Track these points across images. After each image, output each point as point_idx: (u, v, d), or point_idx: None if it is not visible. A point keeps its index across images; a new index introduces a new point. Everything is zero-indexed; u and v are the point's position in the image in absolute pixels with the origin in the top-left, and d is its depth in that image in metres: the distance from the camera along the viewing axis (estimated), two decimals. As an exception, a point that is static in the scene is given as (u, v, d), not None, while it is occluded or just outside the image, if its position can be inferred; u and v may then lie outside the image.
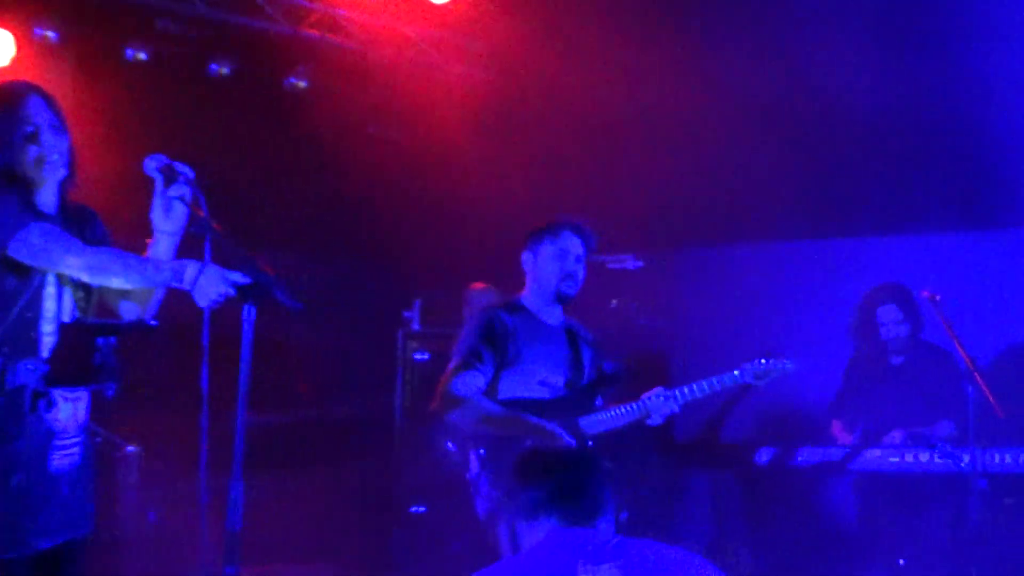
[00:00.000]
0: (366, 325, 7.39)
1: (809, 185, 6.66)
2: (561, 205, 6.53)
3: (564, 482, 2.66)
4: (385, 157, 6.87)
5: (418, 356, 7.08)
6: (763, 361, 4.89)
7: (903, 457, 5.74)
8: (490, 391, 4.66)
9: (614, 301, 6.12)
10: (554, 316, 4.89)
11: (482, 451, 4.57)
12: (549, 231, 4.85)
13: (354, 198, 6.97)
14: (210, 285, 3.21)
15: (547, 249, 4.83)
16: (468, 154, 6.67)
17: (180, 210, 3.40)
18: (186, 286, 3.27)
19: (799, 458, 5.96)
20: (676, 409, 4.74)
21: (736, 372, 4.86)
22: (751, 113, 6.46)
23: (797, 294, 7.03)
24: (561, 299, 4.82)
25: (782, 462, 6.01)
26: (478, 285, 6.66)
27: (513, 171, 6.76)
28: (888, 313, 6.15)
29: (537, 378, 4.71)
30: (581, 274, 4.84)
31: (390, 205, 7.00)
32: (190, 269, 3.26)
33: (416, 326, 7.17)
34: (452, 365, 4.68)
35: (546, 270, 4.81)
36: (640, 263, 6.96)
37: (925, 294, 5.73)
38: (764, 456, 6.08)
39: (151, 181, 3.38)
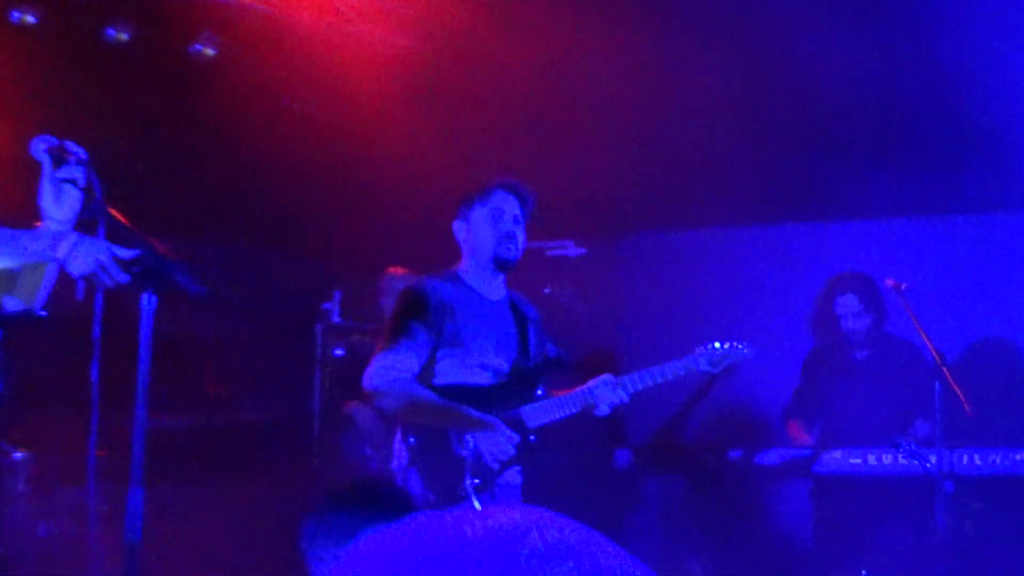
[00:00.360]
0: (281, 318, 7.32)
1: (764, 167, 6.69)
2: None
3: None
4: (302, 133, 6.80)
5: (339, 352, 7.03)
6: (718, 346, 4.92)
7: (865, 459, 5.79)
8: (424, 375, 4.59)
9: (548, 287, 6.08)
10: (496, 289, 4.82)
11: (412, 440, 4.51)
12: (479, 192, 4.80)
13: (267, 179, 6.89)
14: (88, 254, 3.15)
15: (479, 212, 4.78)
16: (394, 131, 6.62)
17: (72, 194, 3.31)
18: (59, 255, 3.20)
19: (754, 460, 6.00)
20: (625, 398, 4.73)
21: (690, 358, 4.87)
22: (701, 92, 6.49)
23: (752, 284, 7.09)
24: (501, 265, 4.76)
25: (735, 465, 6.04)
26: (396, 270, 6.58)
27: (444, 150, 6.71)
28: (847, 304, 6.18)
29: (478, 360, 4.66)
30: (521, 237, 4.80)
31: (308, 186, 6.93)
32: (69, 238, 3.19)
33: (336, 319, 7.12)
34: (381, 345, 4.60)
35: (480, 235, 4.76)
36: (582, 250, 6.98)
37: (890, 283, 5.80)
38: (716, 458, 6.11)
39: (39, 164, 3.30)
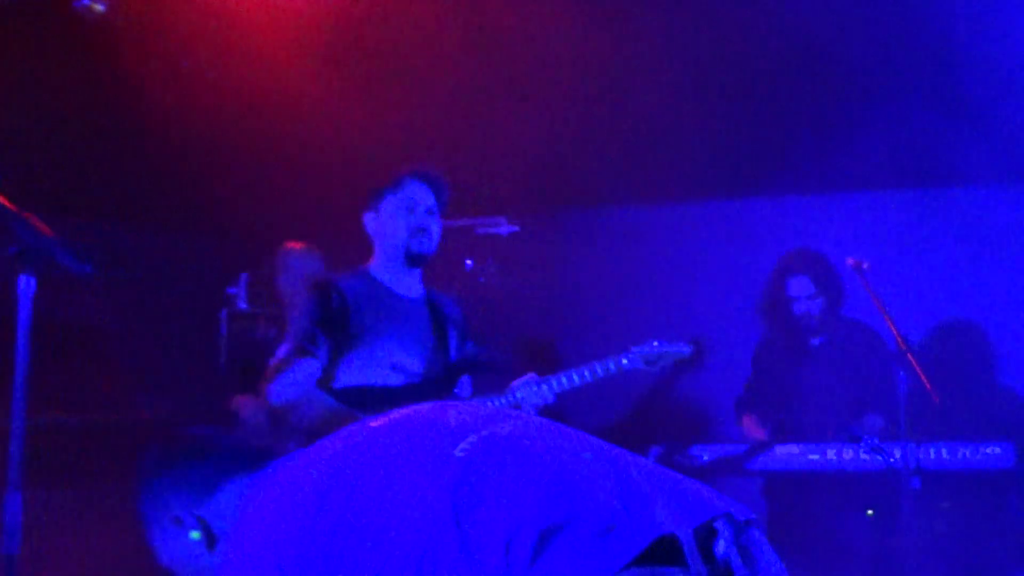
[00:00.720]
0: (181, 304, 7.22)
1: (716, 137, 6.68)
2: (422, 160, 6.46)
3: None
4: (204, 99, 6.67)
5: (258, 338, 6.94)
6: (655, 344, 4.99)
7: (824, 454, 5.80)
8: (325, 379, 4.61)
9: (469, 261, 6.06)
10: (411, 287, 4.86)
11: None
12: (390, 183, 4.82)
13: (165, 149, 6.77)
14: None
15: (390, 203, 4.81)
16: (308, 97, 6.52)
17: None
18: None
19: (700, 457, 6.00)
20: (550, 399, 4.80)
21: (623, 358, 4.94)
22: (646, 55, 6.45)
23: (704, 265, 7.11)
24: (413, 260, 4.80)
25: (679, 462, 6.02)
26: (293, 245, 6.52)
27: (364, 120, 6.63)
28: (799, 286, 6.19)
29: (389, 361, 4.68)
30: (436, 229, 4.83)
31: (210, 158, 6.82)
32: None
33: (243, 305, 7.02)
34: (281, 352, 4.63)
35: (392, 228, 4.79)
36: (514, 227, 6.96)
37: (850, 262, 5.79)
38: (658, 455, 6.07)
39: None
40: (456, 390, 4.93)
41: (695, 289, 7.00)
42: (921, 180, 6.77)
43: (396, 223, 4.79)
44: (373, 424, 2.41)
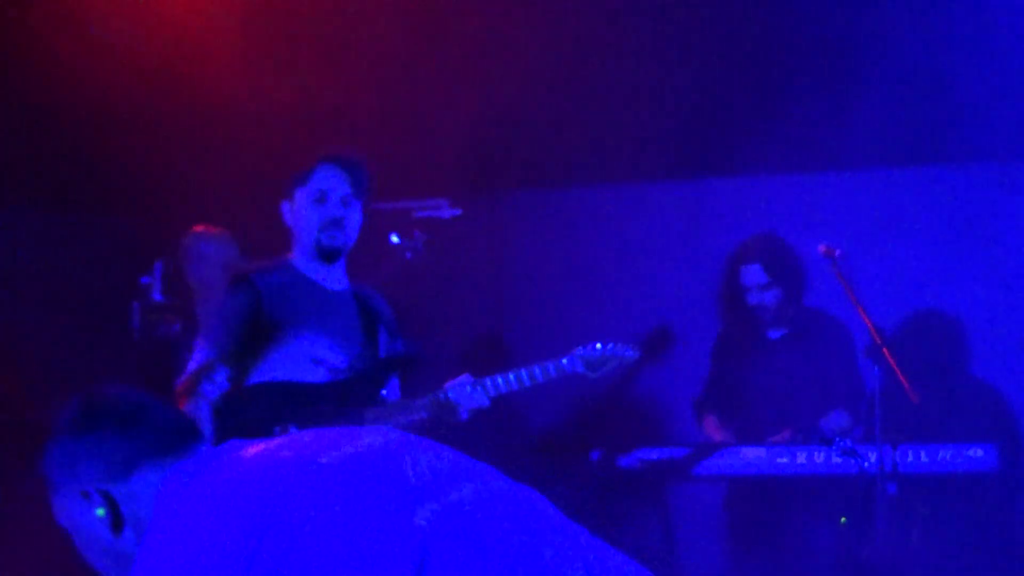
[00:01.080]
0: (90, 296, 7.12)
1: (674, 112, 6.64)
2: (355, 137, 6.39)
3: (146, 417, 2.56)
4: (113, 68, 6.58)
5: (162, 334, 6.86)
6: (599, 347, 4.98)
7: (794, 457, 5.79)
8: (239, 377, 4.64)
9: (394, 236, 6.04)
10: (335, 279, 4.86)
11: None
12: (304, 168, 4.80)
13: (70, 125, 6.67)
14: None
15: (301, 194, 4.79)
16: (228, 70, 6.43)
17: None
18: None
19: (657, 462, 5.98)
20: (485, 403, 4.80)
21: (564, 360, 4.94)
22: (596, 25, 6.43)
23: (660, 250, 7.06)
24: (326, 254, 4.78)
25: (633, 467, 6.02)
26: (204, 229, 6.43)
27: (289, 94, 6.55)
28: (750, 274, 6.15)
29: (309, 354, 4.67)
30: (353, 219, 4.81)
31: (121, 134, 6.71)
32: None
33: (157, 296, 6.93)
34: (195, 361, 4.66)
35: (303, 220, 4.78)
36: (457, 210, 6.90)
37: (822, 249, 5.78)
38: (610, 459, 6.07)
39: None
40: (384, 390, 4.91)
41: (652, 277, 6.96)
42: (896, 159, 6.75)
43: (307, 215, 4.77)
44: (323, 460, 2.33)
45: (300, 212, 4.78)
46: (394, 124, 6.45)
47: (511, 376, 4.84)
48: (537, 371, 4.88)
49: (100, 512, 2.49)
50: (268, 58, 6.50)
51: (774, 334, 6.26)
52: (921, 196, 6.75)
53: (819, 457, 5.73)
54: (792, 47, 6.37)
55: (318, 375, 4.69)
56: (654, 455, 6.00)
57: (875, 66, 6.36)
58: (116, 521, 2.48)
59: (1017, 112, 6.23)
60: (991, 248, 6.58)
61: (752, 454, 5.86)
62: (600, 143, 6.85)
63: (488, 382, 4.82)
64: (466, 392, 4.78)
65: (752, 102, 6.57)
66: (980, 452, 5.67)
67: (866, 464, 5.45)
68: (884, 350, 5.51)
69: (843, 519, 5.68)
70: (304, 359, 4.67)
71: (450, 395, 4.77)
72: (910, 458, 5.65)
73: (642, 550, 6.61)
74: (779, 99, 6.51)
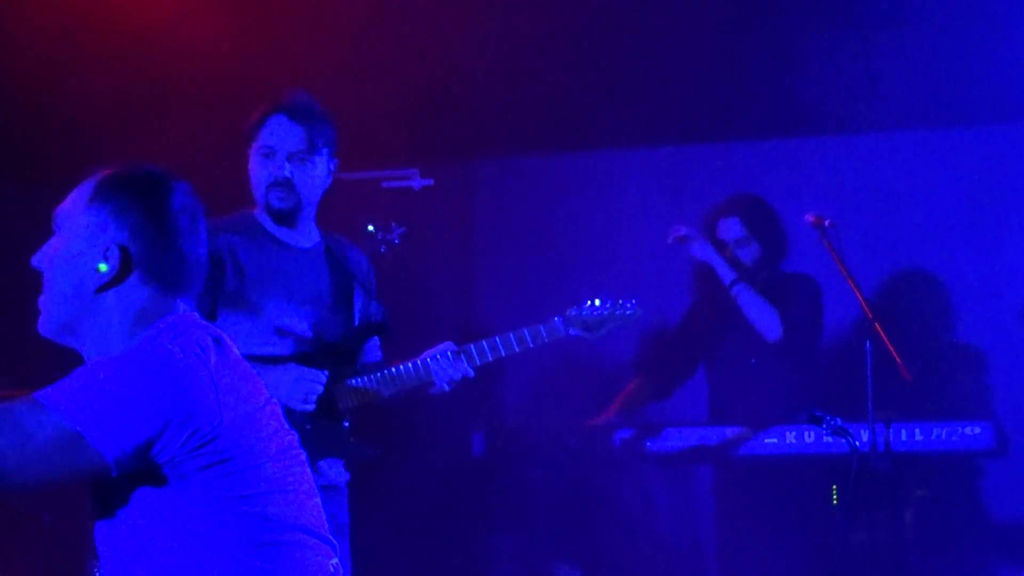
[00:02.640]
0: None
1: (654, 75, 6.50)
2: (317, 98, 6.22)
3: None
4: (55, 21, 6.36)
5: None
6: (595, 304, 4.75)
7: (783, 437, 5.73)
8: None
9: (370, 226, 5.88)
10: (303, 235, 4.63)
11: None
12: (256, 119, 4.56)
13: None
14: None
15: (253, 148, 4.56)
16: (183, 24, 6.24)
17: None
18: None
19: (641, 442, 5.89)
20: (469, 372, 4.59)
21: (558, 323, 4.70)
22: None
23: (640, 219, 6.93)
24: (276, 216, 4.56)
25: (616, 448, 5.93)
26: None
27: (245, 54, 6.36)
28: (729, 228, 6.03)
29: (273, 324, 4.46)
30: (309, 177, 4.56)
31: (64, 91, 6.49)
32: None
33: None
34: None
35: (254, 177, 4.56)
36: (428, 180, 6.80)
37: (810, 218, 5.70)
38: (591, 441, 5.98)
39: None
40: (366, 357, 4.71)
41: (632, 248, 6.89)
42: (886, 124, 6.65)
43: (256, 172, 4.56)
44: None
45: (252, 168, 4.57)
46: (361, 88, 6.27)
47: (498, 342, 4.61)
48: (527, 334, 4.64)
49: (102, 267, 2.71)
50: (226, 17, 6.29)
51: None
52: (913, 163, 6.66)
53: (809, 436, 5.68)
54: (781, 11, 6.24)
55: (282, 347, 4.48)
56: (638, 435, 5.90)
57: (865, 29, 6.26)
58: (118, 274, 2.72)
59: (1011, 75, 6.11)
60: (986, 216, 6.49)
61: (740, 433, 5.80)
62: (577, 108, 6.73)
63: (472, 348, 4.60)
64: (448, 362, 4.56)
65: (736, 64, 6.45)
66: (976, 429, 5.63)
67: (857, 443, 5.32)
68: (876, 325, 5.44)
69: (834, 493, 5.60)
70: (268, 329, 4.46)
71: (431, 364, 4.56)
72: (904, 436, 5.60)
73: (627, 532, 6.56)
74: (763, 62, 6.41)
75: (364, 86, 6.32)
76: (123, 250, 2.72)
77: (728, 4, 6.28)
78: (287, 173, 4.51)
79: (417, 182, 6.88)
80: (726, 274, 5.87)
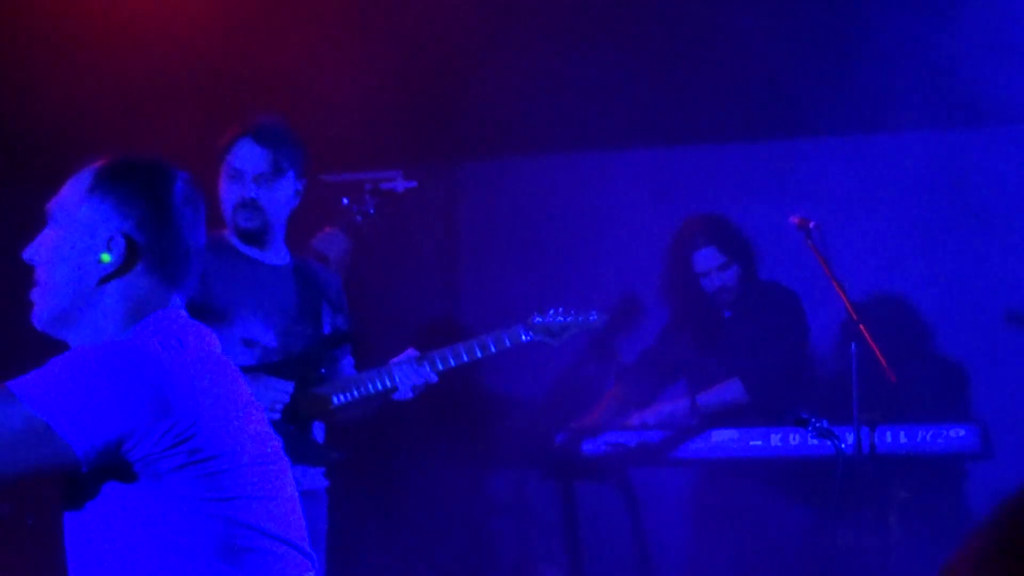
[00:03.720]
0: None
1: (640, 76, 6.50)
2: (301, 104, 6.19)
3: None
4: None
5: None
6: (559, 312, 4.88)
7: (768, 439, 5.74)
8: None
9: (344, 199, 5.92)
10: (273, 254, 4.77)
11: None
12: (226, 141, 4.70)
13: None
14: None
15: (222, 169, 4.70)
16: (162, 25, 6.21)
17: None
18: None
19: (624, 445, 5.92)
20: (433, 378, 4.71)
21: (520, 331, 4.84)
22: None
23: (624, 222, 6.93)
24: (242, 235, 4.69)
25: (600, 451, 5.95)
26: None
27: (231, 56, 6.34)
28: (706, 258, 6.01)
29: (240, 335, 4.58)
30: (276, 198, 4.70)
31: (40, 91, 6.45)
32: None
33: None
34: None
35: (223, 196, 4.69)
36: (412, 183, 6.78)
37: (795, 220, 5.70)
38: (574, 445, 6.01)
39: None
40: (337, 368, 4.82)
41: (616, 251, 6.87)
42: (871, 126, 6.65)
43: (224, 191, 4.69)
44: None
45: (221, 190, 4.70)
46: (345, 87, 6.27)
47: (460, 348, 4.74)
48: (489, 341, 4.77)
49: (105, 258, 2.68)
50: (207, 20, 6.27)
51: (726, 314, 6.13)
52: (897, 165, 6.65)
53: (794, 439, 5.68)
54: (760, 9, 6.24)
55: (250, 356, 4.58)
56: (621, 438, 5.91)
57: (851, 31, 6.25)
58: (120, 267, 2.69)
59: (997, 78, 6.13)
60: (971, 220, 6.49)
61: (724, 436, 5.80)
62: (561, 110, 6.71)
63: (436, 356, 4.71)
64: (411, 368, 4.67)
65: (720, 65, 6.44)
66: (961, 432, 5.64)
67: (843, 445, 5.34)
68: (861, 327, 5.45)
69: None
70: (235, 341, 4.56)
71: (396, 371, 4.67)
72: (889, 439, 5.61)
73: (611, 534, 6.54)
74: (747, 63, 6.40)
75: (347, 88, 6.31)
76: (128, 239, 2.69)
77: (713, 5, 6.29)
78: (252, 194, 4.64)
79: (400, 184, 6.86)
80: None
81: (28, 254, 2.74)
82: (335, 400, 4.67)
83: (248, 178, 4.66)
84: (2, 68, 6.34)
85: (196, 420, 2.55)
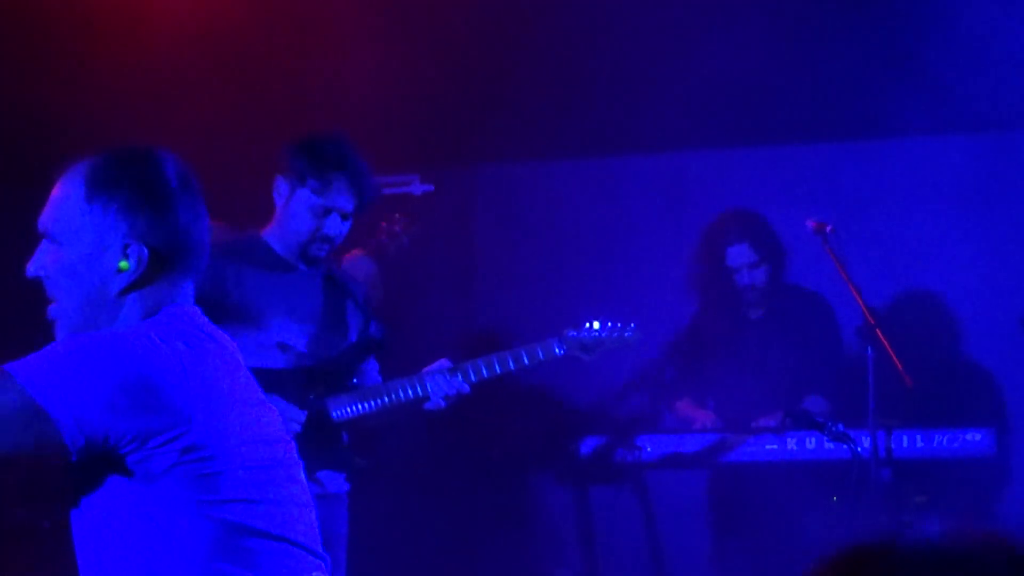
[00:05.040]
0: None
1: (650, 82, 6.47)
2: (320, 107, 6.19)
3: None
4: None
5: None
6: (593, 326, 4.83)
7: (784, 443, 5.72)
8: None
9: (383, 222, 5.91)
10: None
11: None
12: (317, 171, 4.58)
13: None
14: None
15: (306, 197, 4.61)
16: (181, 28, 6.19)
17: None
18: None
19: (641, 448, 5.89)
20: (465, 389, 4.67)
21: (555, 345, 4.79)
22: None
23: (641, 226, 6.92)
24: (307, 260, 4.68)
25: (615, 457, 5.93)
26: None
27: (248, 61, 6.34)
28: (741, 254, 6.04)
29: (276, 341, 4.57)
30: (344, 232, 4.70)
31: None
32: None
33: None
34: None
35: (297, 221, 4.63)
36: (429, 186, 6.79)
37: (811, 224, 5.68)
38: (590, 448, 5.99)
39: None
40: (365, 378, 4.81)
41: (632, 255, 6.84)
42: (885, 131, 6.63)
43: (303, 219, 4.62)
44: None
45: (296, 211, 4.63)
46: (364, 90, 6.26)
47: (494, 360, 4.70)
48: (524, 355, 4.73)
49: (124, 266, 2.63)
50: (225, 23, 6.26)
51: (754, 314, 6.15)
52: (913, 168, 6.63)
53: (810, 443, 5.66)
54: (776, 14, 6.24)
55: (283, 360, 4.58)
56: (638, 442, 5.90)
57: (863, 36, 6.25)
58: (137, 279, 2.65)
59: (1012, 81, 6.11)
60: (987, 223, 6.46)
61: (740, 440, 5.79)
62: (577, 115, 6.71)
63: (469, 367, 4.68)
64: (444, 379, 4.64)
65: (735, 71, 6.41)
66: (977, 436, 5.62)
67: (859, 449, 5.34)
68: (877, 331, 5.43)
69: (834, 498, 5.58)
70: (270, 344, 4.56)
71: (428, 381, 4.64)
72: (905, 443, 5.60)
73: (626, 538, 6.52)
74: (761, 68, 6.37)
75: (364, 90, 6.31)
76: (142, 244, 2.63)
77: (727, 10, 6.28)
78: (336, 231, 4.63)
79: (417, 188, 6.86)
80: None
81: (33, 270, 2.68)
82: (365, 407, 4.64)
83: (337, 219, 4.62)
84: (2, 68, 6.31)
85: (190, 419, 2.53)
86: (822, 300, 6.08)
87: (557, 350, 4.79)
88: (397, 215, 6.13)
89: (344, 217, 4.63)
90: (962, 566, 1.37)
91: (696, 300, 6.30)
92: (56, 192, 2.69)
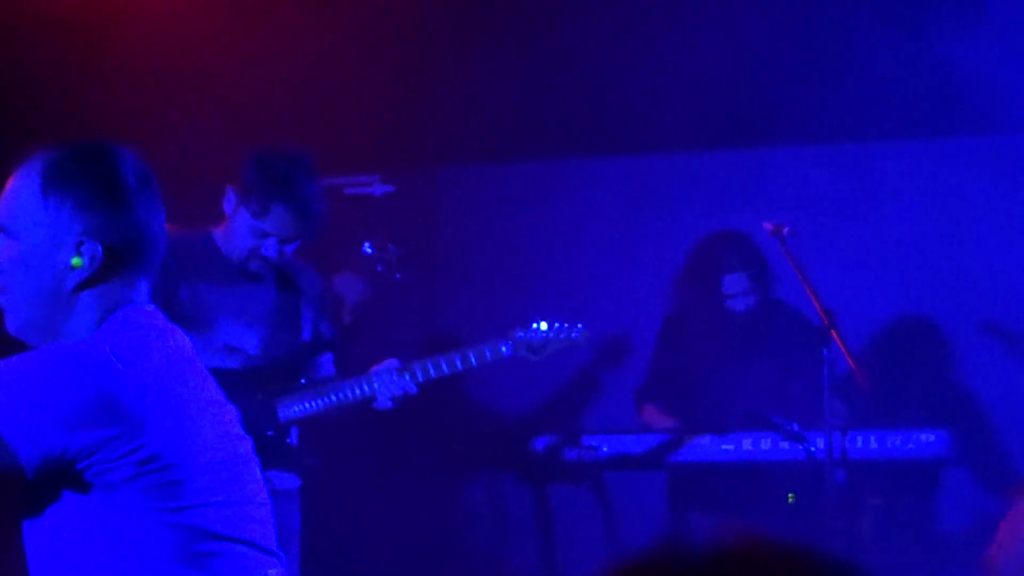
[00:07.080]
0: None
1: (615, 85, 6.50)
2: (280, 107, 6.19)
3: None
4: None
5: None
6: (541, 328, 4.87)
7: (739, 443, 5.72)
8: None
9: (368, 245, 5.90)
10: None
11: None
12: (259, 195, 4.56)
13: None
14: None
15: (246, 217, 4.61)
16: (145, 29, 6.18)
17: None
18: None
19: (600, 449, 5.89)
20: (412, 389, 4.69)
21: (502, 346, 4.83)
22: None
23: (602, 228, 6.92)
24: (247, 274, 4.69)
25: (571, 456, 5.94)
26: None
27: (210, 61, 6.33)
28: (736, 282, 6.02)
29: (222, 341, 4.59)
30: (288, 251, 4.70)
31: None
32: None
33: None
34: None
35: (238, 236, 4.64)
36: (390, 187, 6.76)
37: (768, 227, 5.68)
38: (545, 447, 6.00)
39: None
40: (319, 372, 4.82)
41: (593, 257, 6.83)
42: (843, 135, 6.65)
43: (243, 236, 4.63)
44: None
45: (238, 226, 4.63)
46: (323, 91, 6.26)
47: (441, 360, 4.73)
48: (471, 355, 4.76)
49: (76, 262, 2.60)
50: (184, 25, 6.25)
51: (742, 329, 6.12)
52: (870, 172, 6.66)
53: (766, 443, 5.67)
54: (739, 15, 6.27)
55: (232, 361, 4.59)
56: (597, 443, 5.91)
57: (831, 39, 6.30)
58: (88, 278, 2.62)
59: (978, 87, 6.14)
60: (943, 227, 6.49)
61: (697, 441, 5.78)
62: (539, 116, 6.71)
63: (417, 367, 4.70)
64: (392, 378, 4.65)
65: (696, 73, 6.44)
66: (931, 437, 5.63)
67: (814, 450, 5.38)
68: (833, 333, 5.43)
69: (791, 496, 5.61)
70: (218, 347, 4.58)
71: (375, 383, 4.65)
72: (860, 444, 5.59)
73: (584, 538, 6.51)
74: (723, 71, 6.40)
75: (326, 91, 6.30)
76: (97, 242, 2.60)
77: (690, 11, 6.30)
78: (273, 253, 4.62)
79: (378, 188, 6.83)
80: None
81: None
82: (313, 405, 4.66)
83: (276, 243, 4.63)
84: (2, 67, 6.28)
85: (148, 431, 2.50)
86: (802, 313, 6.05)
87: (504, 350, 4.82)
88: (390, 244, 6.14)
89: (284, 241, 4.63)
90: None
91: (674, 305, 6.30)
92: (11, 184, 2.65)
